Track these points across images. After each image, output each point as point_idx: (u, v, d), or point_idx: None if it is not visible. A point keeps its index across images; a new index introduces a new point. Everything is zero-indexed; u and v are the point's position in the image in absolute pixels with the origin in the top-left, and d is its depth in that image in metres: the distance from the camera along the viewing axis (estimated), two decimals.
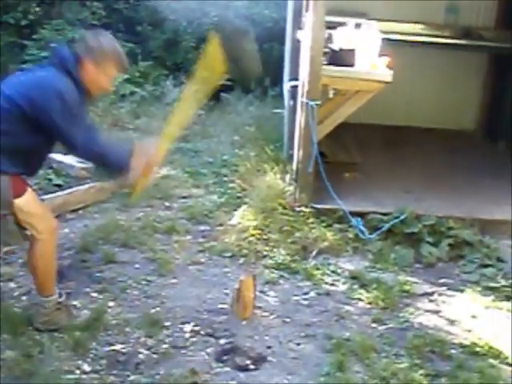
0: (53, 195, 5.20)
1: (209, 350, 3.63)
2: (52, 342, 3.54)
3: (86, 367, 3.41)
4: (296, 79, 5.54)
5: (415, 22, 7.41)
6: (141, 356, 3.53)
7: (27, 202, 3.49)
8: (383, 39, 5.27)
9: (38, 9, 8.71)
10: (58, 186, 5.61)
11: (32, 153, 3.51)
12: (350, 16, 5.85)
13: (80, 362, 3.44)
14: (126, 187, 3.77)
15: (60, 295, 3.75)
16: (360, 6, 7.15)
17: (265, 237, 4.91)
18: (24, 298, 4.00)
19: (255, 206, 5.20)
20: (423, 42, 7.30)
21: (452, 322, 4.09)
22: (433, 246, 4.91)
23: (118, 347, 3.59)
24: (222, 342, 3.71)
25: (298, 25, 5.87)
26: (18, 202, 3.44)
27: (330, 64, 5.16)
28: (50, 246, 3.64)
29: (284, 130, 6.62)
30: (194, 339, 3.72)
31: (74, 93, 3.44)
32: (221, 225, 5.16)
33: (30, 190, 3.54)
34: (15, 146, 3.39)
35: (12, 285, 4.14)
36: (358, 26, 5.34)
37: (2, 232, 3.55)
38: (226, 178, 6.12)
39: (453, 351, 3.75)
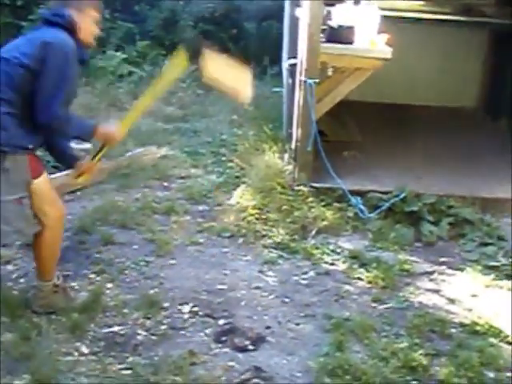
0: (51, 177, 5.16)
1: (207, 331, 3.61)
2: (50, 325, 3.52)
3: (84, 349, 3.40)
4: (295, 57, 5.48)
5: None
6: (139, 337, 3.51)
7: (42, 186, 3.45)
8: (382, 16, 5.21)
9: None
10: (56, 167, 5.56)
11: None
12: None
13: (78, 344, 3.43)
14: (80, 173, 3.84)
15: (57, 278, 3.73)
16: None
17: (264, 216, 4.88)
18: (22, 280, 3.99)
19: (254, 186, 5.17)
20: (423, 19, 7.23)
21: (452, 301, 4.07)
22: (433, 225, 4.88)
23: (116, 329, 3.57)
24: (220, 322, 3.70)
25: (296, 2, 5.80)
26: (33, 184, 3.40)
27: (328, 41, 5.10)
28: (58, 233, 3.63)
29: (283, 109, 6.58)
30: (193, 320, 3.70)
31: (76, 53, 3.40)
32: (219, 205, 5.14)
33: (45, 173, 3.50)
34: (22, 113, 3.32)
35: (10, 267, 4.12)
36: (356, 2, 5.27)
37: (18, 218, 3.41)
38: (224, 158, 6.08)
39: (453, 330, 3.73)
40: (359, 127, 6.69)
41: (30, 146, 3.39)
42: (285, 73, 6.59)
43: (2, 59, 3.36)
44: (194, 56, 3.60)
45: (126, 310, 3.73)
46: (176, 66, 3.75)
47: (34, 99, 3.32)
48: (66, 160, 3.87)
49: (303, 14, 5.15)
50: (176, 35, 9.21)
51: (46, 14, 3.55)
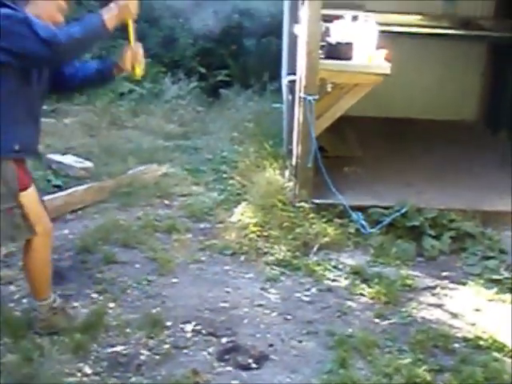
0: (52, 196, 5.18)
1: (210, 350, 3.61)
2: (52, 345, 3.51)
3: (87, 369, 3.39)
4: (294, 74, 5.50)
5: (413, 13, 7.37)
6: (142, 357, 3.51)
7: (29, 200, 3.42)
8: (381, 31, 5.23)
9: None
10: (57, 186, 5.60)
11: (18, 109, 3.29)
12: (347, 9, 5.80)
13: (81, 364, 3.42)
14: (129, 65, 3.57)
15: (54, 300, 3.71)
16: None
17: (265, 233, 4.88)
18: (24, 301, 3.97)
19: (255, 203, 5.18)
20: (421, 34, 7.26)
21: (455, 316, 4.06)
22: (435, 239, 4.88)
23: (118, 348, 3.57)
24: (223, 341, 3.69)
25: (294, 19, 5.83)
26: (21, 196, 3.37)
27: (327, 58, 5.12)
28: (46, 249, 3.61)
29: (283, 125, 6.59)
30: (196, 339, 3.70)
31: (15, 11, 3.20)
32: (221, 222, 5.13)
33: (33, 187, 3.47)
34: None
35: (12, 288, 4.12)
36: (354, 18, 5.30)
37: (9, 226, 3.38)
38: (225, 175, 6.08)
39: (456, 345, 3.73)
40: (359, 142, 6.70)
41: (17, 148, 3.29)
42: (284, 89, 6.61)
43: None
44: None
45: (128, 330, 3.73)
46: None
47: (38, 61, 3.22)
48: (106, 70, 3.66)
49: (302, 31, 5.17)
50: (176, 53, 9.26)
51: None
